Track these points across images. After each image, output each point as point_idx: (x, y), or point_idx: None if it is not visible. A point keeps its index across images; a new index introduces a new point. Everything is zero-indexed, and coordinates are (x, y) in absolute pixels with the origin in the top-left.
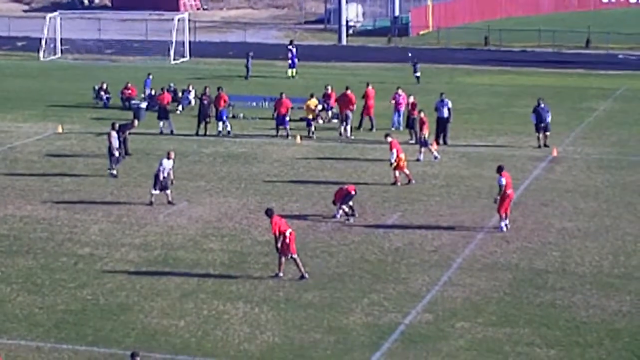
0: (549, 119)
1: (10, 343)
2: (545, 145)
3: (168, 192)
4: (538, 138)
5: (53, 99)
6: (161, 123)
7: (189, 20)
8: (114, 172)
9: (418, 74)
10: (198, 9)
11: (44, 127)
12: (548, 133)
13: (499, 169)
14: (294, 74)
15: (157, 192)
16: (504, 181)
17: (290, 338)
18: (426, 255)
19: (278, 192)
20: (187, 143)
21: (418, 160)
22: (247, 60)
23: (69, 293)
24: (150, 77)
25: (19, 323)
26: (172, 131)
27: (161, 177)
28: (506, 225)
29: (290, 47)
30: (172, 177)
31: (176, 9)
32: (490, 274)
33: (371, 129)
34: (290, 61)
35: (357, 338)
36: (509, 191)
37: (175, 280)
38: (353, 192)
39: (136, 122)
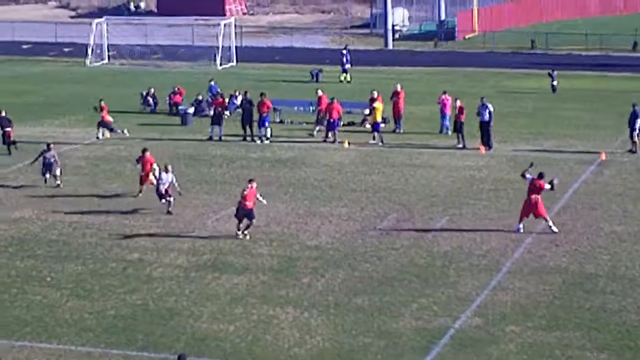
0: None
1: (60, 348)
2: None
3: (170, 199)
4: (634, 143)
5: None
6: (213, 128)
7: (235, 26)
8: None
9: (555, 82)
10: (244, 14)
11: (92, 132)
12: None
13: (540, 176)
14: (347, 78)
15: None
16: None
17: (340, 342)
18: (475, 259)
19: (326, 197)
20: (235, 148)
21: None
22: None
23: (119, 298)
24: (213, 82)
25: (69, 328)
26: (220, 137)
27: (162, 190)
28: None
29: (344, 51)
30: (178, 189)
31: (222, 14)
32: (539, 277)
33: (395, 131)
34: (345, 65)
35: (407, 342)
36: (532, 196)
37: (225, 285)
38: None
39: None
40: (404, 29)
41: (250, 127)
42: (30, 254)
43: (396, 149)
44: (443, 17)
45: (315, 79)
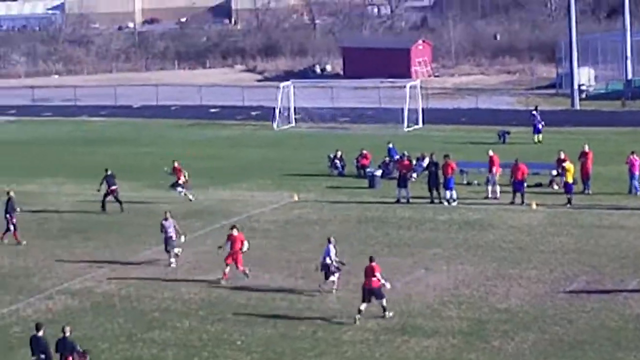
0: None
1: None
2: None
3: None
4: None
5: (287, 168)
6: (400, 191)
7: (421, 87)
8: None
9: None
10: (429, 76)
11: (280, 195)
12: None
13: None
14: (539, 139)
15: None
16: None
17: None
18: None
19: (515, 259)
20: (423, 210)
21: None
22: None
23: None
24: (391, 145)
25: None
26: (408, 199)
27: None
28: None
29: (534, 112)
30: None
31: (408, 76)
32: None
33: (583, 191)
34: (538, 125)
35: None
36: None
37: (415, 348)
38: None
39: None
40: (591, 89)
41: (437, 189)
42: (221, 318)
43: (585, 210)
44: (630, 76)
45: (502, 140)
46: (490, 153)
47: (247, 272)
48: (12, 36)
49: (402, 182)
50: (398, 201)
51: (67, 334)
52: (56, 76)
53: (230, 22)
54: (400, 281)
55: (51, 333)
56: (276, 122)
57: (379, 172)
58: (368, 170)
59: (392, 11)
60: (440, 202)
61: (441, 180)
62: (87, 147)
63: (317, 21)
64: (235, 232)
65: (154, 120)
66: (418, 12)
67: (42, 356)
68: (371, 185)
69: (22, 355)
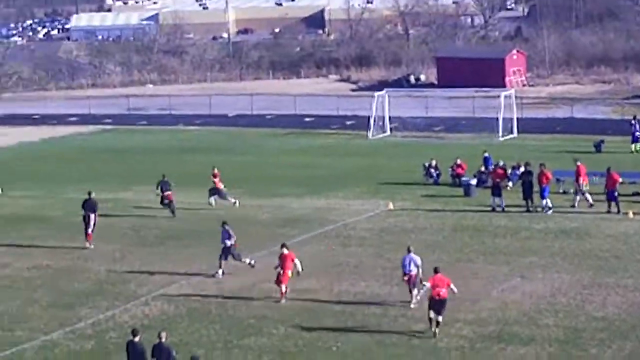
0: None
1: None
2: None
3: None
4: None
5: (383, 177)
6: (494, 199)
7: (516, 97)
8: None
9: None
10: (524, 85)
11: (375, 204)
12: None
13: None
14: (637, 148)
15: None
16: None
17: None
18: None
19: (611, 268)
20: (518, 219)
21: None
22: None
23: None
24: (487, 153)
25: None
26: (503, 208)
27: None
28: None
29: (633, 122)
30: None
31: (502, 85)
32: None
33: None
34: (636, 134)
35: None
36: None
37: (511, 356)
38: None
39: None
40: None
41: (531, 198)
42: (316, 324)
43: None
44: None
45: (598, 149)
46: (578, 163)
47: (285, 295)
48: (107, 46)
49: (496, 191)
50: (493, 210)
51: (163, 339)
52: (151, 86)
53: (323, 32)
54: (496, 289)
55: (147, 339)
56: (371, 131)
57: (474, 181)
58: (463, 179)
59: (485, 21)
60: (536, 211)
61: (536, 189)
62: (182, 155)
63: (410, 31)
64: (285, 251)
65: (249, 129)
66: (512, 22)
67: None
68: (466, 193)
69: None
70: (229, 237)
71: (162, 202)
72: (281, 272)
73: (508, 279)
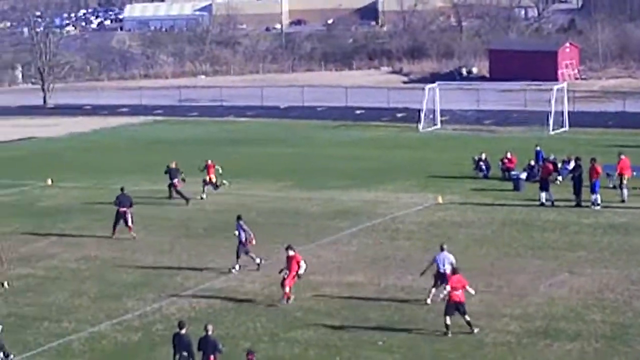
0: None
1: None
2: None
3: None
4: None
5: (432, 170)
6: (543, 194)
7: (567, 90)
8: None
9: None
10: (576, 78)
11: (424, 197)
12: None
13: None
14: None
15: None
16: None
17: None
18: None
19: None
20: (567, 214)
21: None
22: None
23: None
24: (538, 147)
25: None
26: (552, 202)
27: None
28: None
29: None
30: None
31: (554, 78)
32: None
33: None
34: None
35: None
36: None
37: (557, 352)
38: None
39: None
40: None
41: (581, 192)
42: (362, 318)
43: None
44: None
45: None
46: (622, 156)
47: (289, 298)
48: (159, 37)
49: (545, 185)
50: (542, 204)
51: (210, 332)
52: (203, 77)
53: (376, 23)
54: (543, 284)
55: (194, 331)
56: (421, 124)
57: (524, 175)
58: (513, 172)
59: (539, 14)
60: (587, 206)
61: (586, 183)
62: (234, 147)
63: (463, 23)
64: (291, 253)
65: (300, 121)
66: (565, 14)
67: (185, 354)
68: (516, 188)
69: (165, 353)
70: (243, 232)
71: (171, 192)
72: (286, 274)
73: (556, 274)
